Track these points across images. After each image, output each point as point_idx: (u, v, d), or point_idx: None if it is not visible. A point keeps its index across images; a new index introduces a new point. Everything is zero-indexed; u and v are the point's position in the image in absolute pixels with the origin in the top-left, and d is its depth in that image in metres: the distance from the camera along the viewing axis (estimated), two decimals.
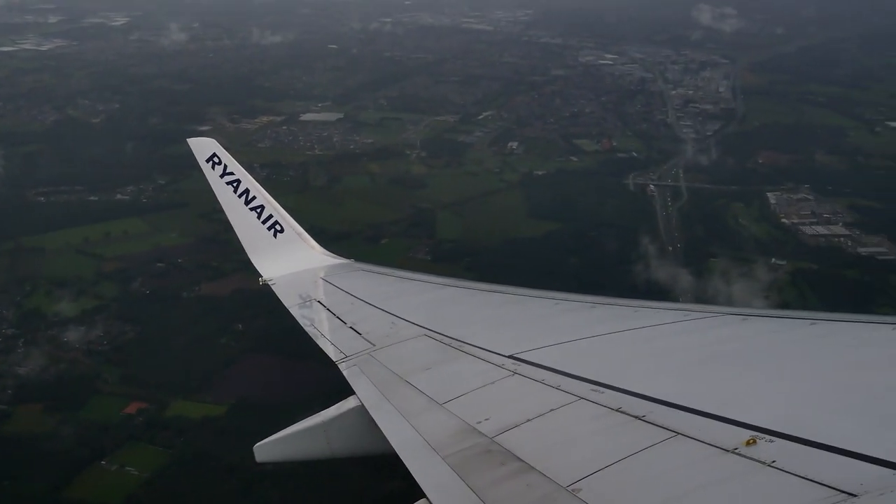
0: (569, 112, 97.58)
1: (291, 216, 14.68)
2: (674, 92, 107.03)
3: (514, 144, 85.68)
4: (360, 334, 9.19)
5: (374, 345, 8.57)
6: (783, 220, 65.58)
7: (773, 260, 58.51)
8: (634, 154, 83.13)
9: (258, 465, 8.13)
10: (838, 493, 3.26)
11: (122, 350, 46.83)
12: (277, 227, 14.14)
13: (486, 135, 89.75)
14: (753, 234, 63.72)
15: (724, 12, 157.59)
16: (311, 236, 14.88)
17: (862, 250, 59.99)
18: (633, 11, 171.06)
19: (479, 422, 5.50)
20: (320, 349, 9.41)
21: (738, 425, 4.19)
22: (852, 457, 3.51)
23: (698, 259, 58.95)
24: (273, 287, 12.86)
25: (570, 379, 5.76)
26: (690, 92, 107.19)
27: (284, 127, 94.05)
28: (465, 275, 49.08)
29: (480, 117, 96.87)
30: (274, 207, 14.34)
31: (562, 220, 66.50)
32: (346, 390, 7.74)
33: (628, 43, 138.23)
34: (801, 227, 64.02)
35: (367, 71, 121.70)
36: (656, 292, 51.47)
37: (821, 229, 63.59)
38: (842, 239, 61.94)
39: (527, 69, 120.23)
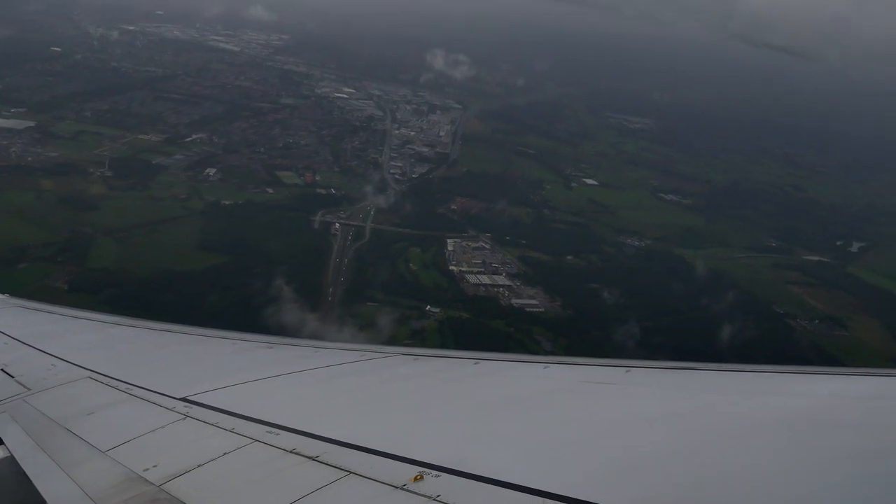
0: (283, 143, 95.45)
1: None
2: (397, 131, 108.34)
3: (212, 171, 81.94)
4: (12, 377, 8.06)
5: (30, 389, 7.58)
6: (452, 267, 66.94)
7: (428, 307, 59.09)
8: (333, 191, 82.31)
9: None
10: None
11: None
12: None
13: (186, 158, 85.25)
14: (419, 280, 64.27)
15: (460, 59, 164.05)
16: None
17: (515, 301, 62.27)
18: (391, 50, 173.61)
19: (146, 469, 4.93)
20: None
21: (407, 462, 4.12)
22: (509, 488, 3.53)
23: (354, 302, 58.33)
24: None
25: (245, 421, 5.41)
26: (413, 133, 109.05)
27: None
28: (99, 308, 44.92)
29: (189, 139, 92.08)
30: None
31: (231, 254, 63.90)
32: None
33: (371, 79, 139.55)
34: (467, 275, 65.56)
35: (84, 80, 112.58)
36: (295, 334, 49.78)
37: (485, 279, 65.44)
38: (501, 289, 63.99)
39: (258, 95, 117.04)
